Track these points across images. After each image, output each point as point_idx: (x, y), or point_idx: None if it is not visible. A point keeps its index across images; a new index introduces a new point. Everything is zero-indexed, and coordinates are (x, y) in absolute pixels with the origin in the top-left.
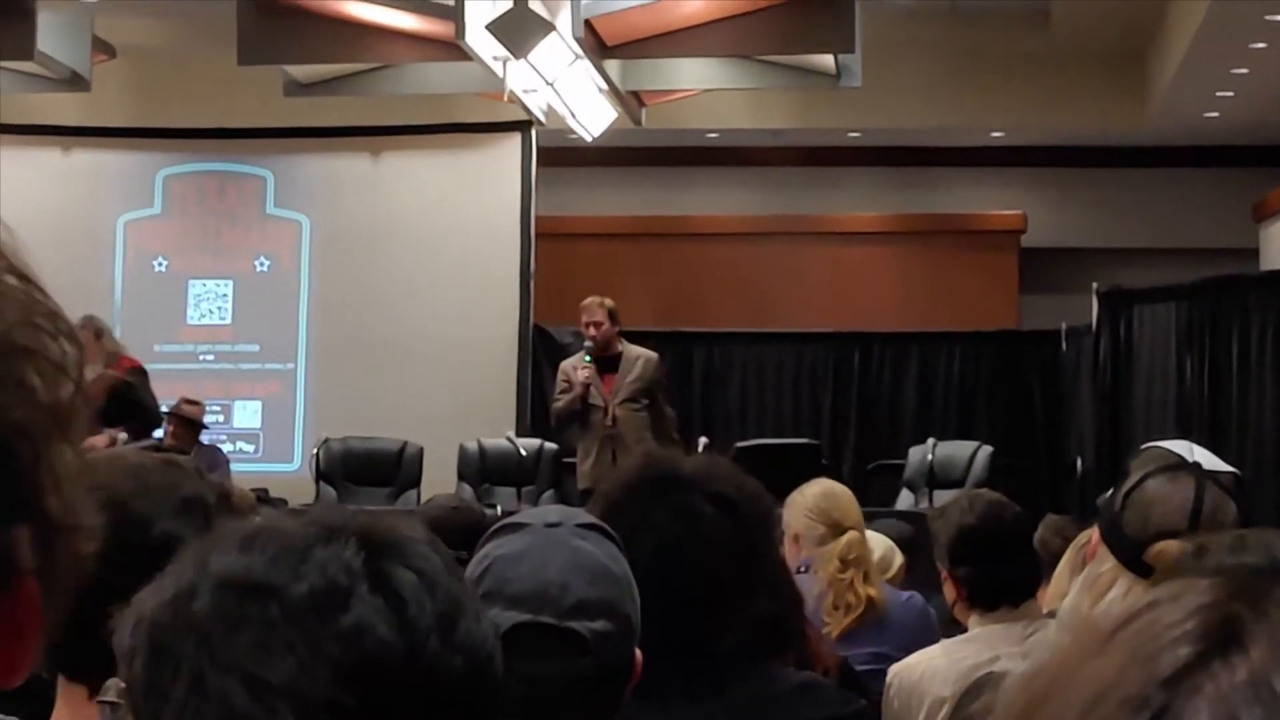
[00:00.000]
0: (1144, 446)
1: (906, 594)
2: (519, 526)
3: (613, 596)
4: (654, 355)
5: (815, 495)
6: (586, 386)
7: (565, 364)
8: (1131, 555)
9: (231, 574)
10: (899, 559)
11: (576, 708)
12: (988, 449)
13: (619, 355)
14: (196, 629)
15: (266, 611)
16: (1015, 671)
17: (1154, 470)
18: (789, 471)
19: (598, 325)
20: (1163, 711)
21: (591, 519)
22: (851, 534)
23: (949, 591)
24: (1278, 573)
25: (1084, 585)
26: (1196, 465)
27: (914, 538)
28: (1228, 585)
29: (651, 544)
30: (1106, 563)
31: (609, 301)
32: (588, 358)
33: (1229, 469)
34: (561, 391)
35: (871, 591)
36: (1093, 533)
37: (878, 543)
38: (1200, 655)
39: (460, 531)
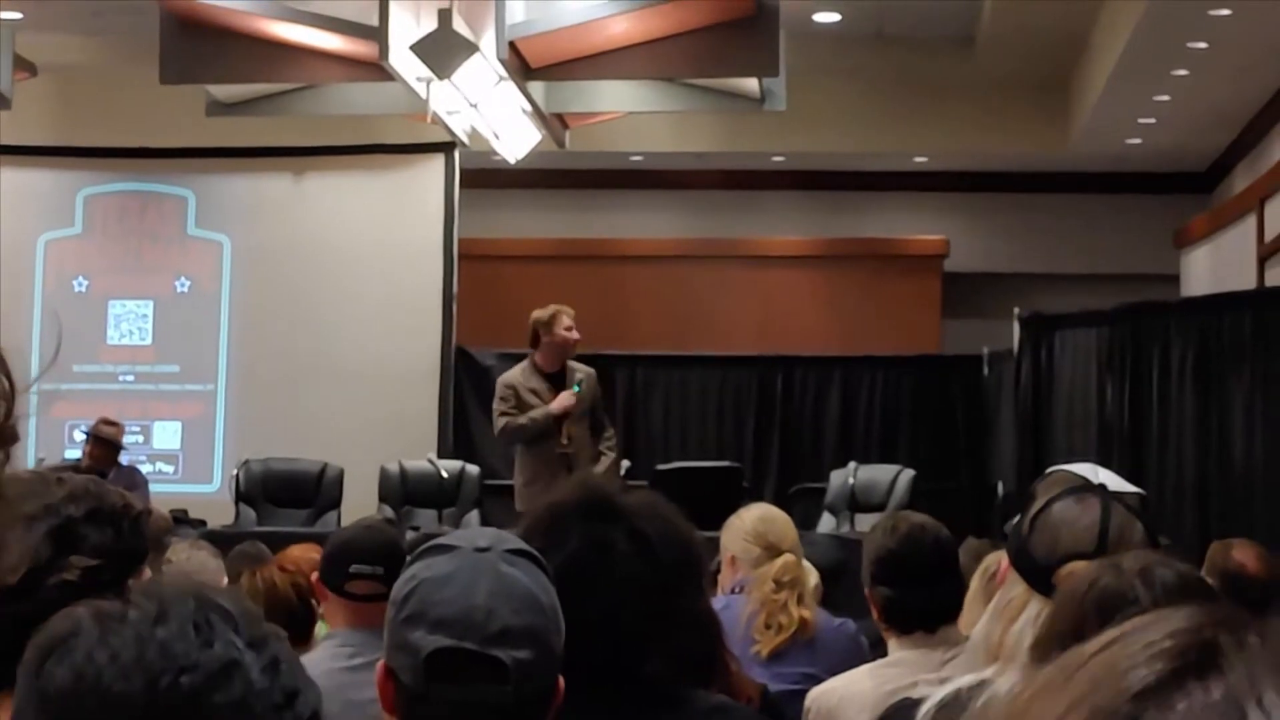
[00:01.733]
0: (1049, 470)
1: (839, 620)
2: (448, 549)
3: (538, 625)
4: (593, 371)
5: (753, 519)
6: (565, 414)
7: (512, 378)
8: (1041, 579)
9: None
10: (814, 579)
11: None
12: (910, 472)
13: (563, 371)
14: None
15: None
16: (931, 698)
17: (1060, 494)
18: (710, 494)
19: (577, 331)
20: None
21: (522, 545)
22: (787, 557)
23: (873, 609)
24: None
25: (995, 611)
26: (1102, 487)
27: (844, 561)
28: (1210, 614)
29: (555, 566)
30: (1017, 587)
31: None
32: (577, 388)
33: (1134, 489)
34: (512, 406)
35: (805, 613)
36: (1000, 558)
37: None
38: (1175, 673)
39: (375, 551)
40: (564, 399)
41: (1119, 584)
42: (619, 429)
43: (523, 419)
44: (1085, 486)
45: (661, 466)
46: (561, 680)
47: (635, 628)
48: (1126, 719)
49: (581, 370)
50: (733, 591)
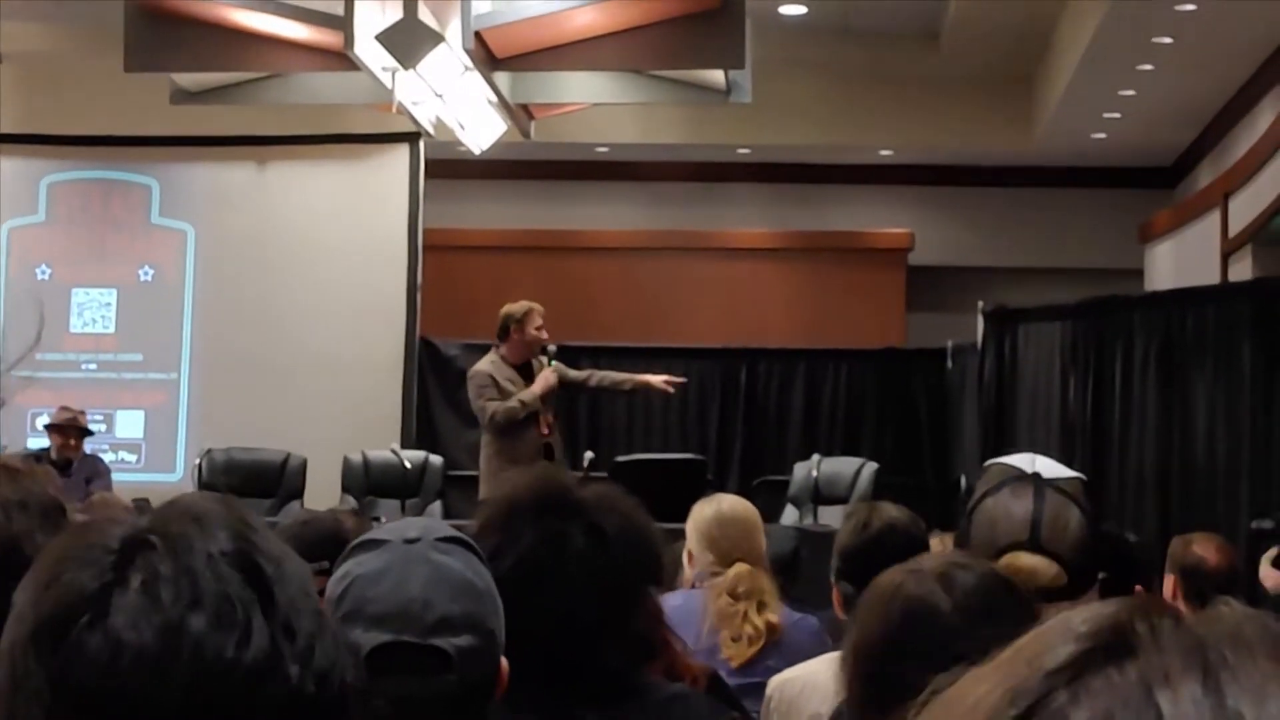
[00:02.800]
0: (987, 464)
1: (798, 616)
2: (378, 543)
3: (476, 611)
4: (555, 353)
5: (709, 521)
6: (548, 395)
7: (486, 369)
8: None
9: (15, 601)
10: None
11: None
12: (873, 465)
13: (529, 364)
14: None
15: (16, 642)
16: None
17: (995, 486)
18: (672, 487)
19: (546, 331)
20: (1042, 698)
21: (452, 532)
22: (739, 568)
23: (836, 602)
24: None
25: None
26: (1036, 476)
27: (797, 551)
28: (1128, 603)
29: (511, 561)
30: None
31: None
32: (552, 362)
33: (1073, 474)
34: (495, 395)
35: (771, 618)
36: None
37: None
38: (1088, 654)
39: (315, 544)
40: (546, 378)
41: (919, 589)
42: (582, 421)
43: (512, 402)
44: (1020, 477)
45: (621, 458)
46: (505, 661)
47: (592, 622)
48: (1038, 695)
49: (544, 358)
50: (692, 586)
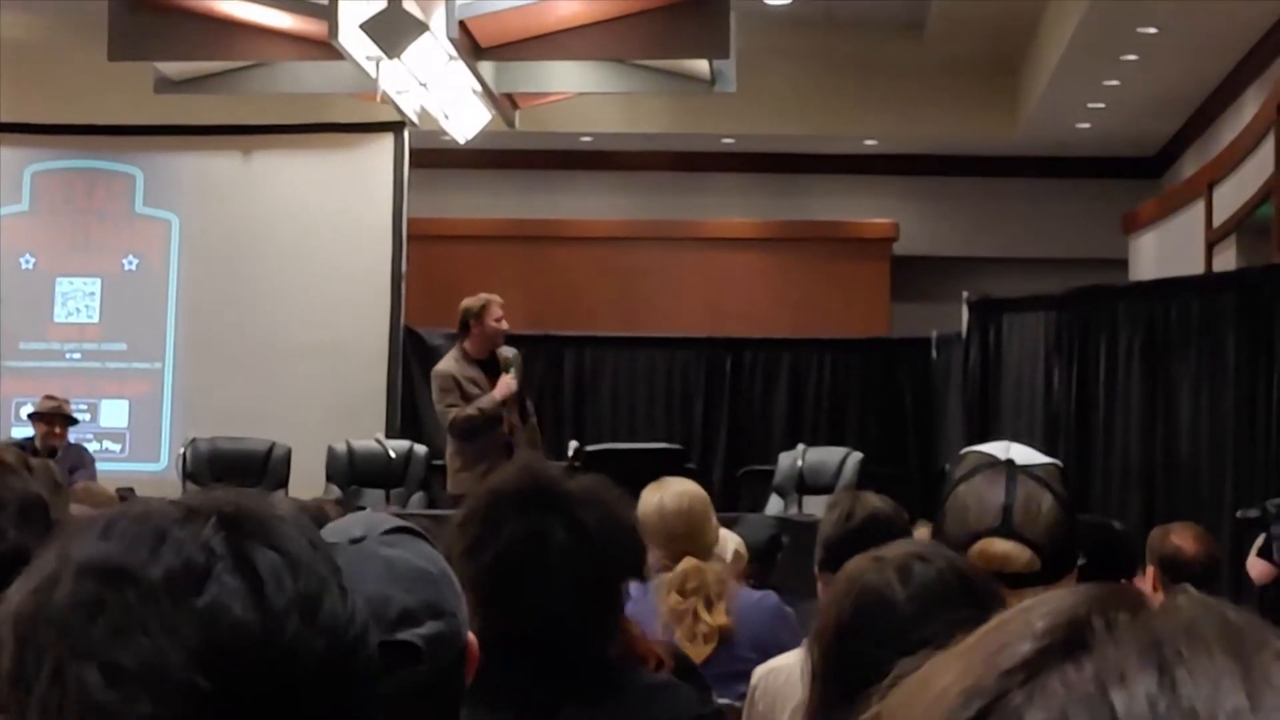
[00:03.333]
0: (963, 452)
1: (759, 594)
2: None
3: (433, 597)
4: (517, 351)
5: (653, 512)
6: (507, 399)
7: (448, 369)
8: None
9: (89, 560)
10: (731, 548)
11: (422, 713)
12: (857, 455)
13: (493, 357)
14: (57, 618)
15: (123, 596)
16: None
17: (968, 473)
18: (648, 477)
19: (506, 322)
20: (998, 699)
21: (396, 521)
22: (687, 562)
23: (820, 592)
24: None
25: None
26: (1009, 462)
27: (775, 539)
28: (1086, 595)
29: (492, 555)
30: None
31: None
32: (511, 369)
33: (1048, 461)
34: (458, 397)
35: (720, 620)
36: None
37: (722, 536)
38: (1043, 651)
39: None
40: (506, 384)
41: (878, 579)
42: (567, 411)
43: (471, 409)
44: (993, 463)
45: (593, 448)
46: (473, 638)
47: (573, 616)
48: (994, 695)
49: (507, 353)
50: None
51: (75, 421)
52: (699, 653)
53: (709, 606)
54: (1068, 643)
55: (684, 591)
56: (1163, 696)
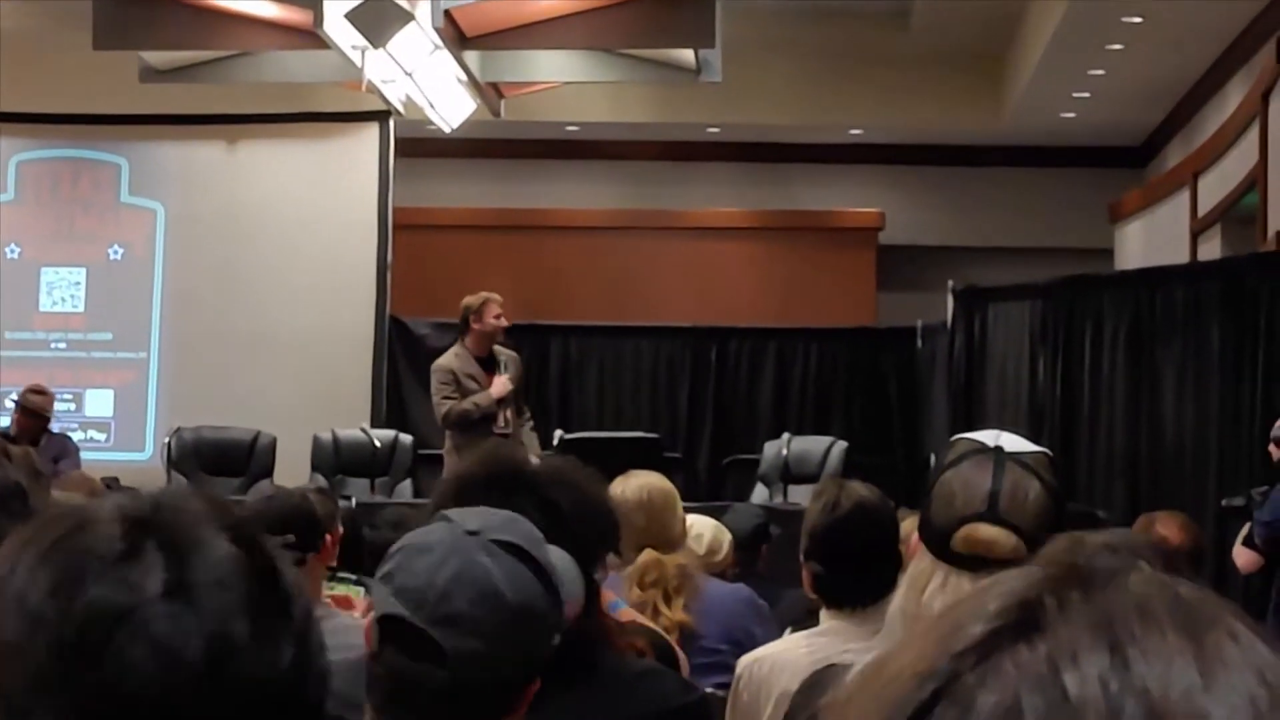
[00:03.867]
0: (953, 439)
1: (733, 586)
2: (445, 521)
3: (493, 620)
4: (516, 355)
5: (618, 504)
6: (502, 400)
7: (448, 364)
8: (940, 545)
9: (20, 596)
10: (726, 542)
11: (432, 713)
12: (843, 444)
13: (492, 355)
14: None
15: (37, 644)
16: (857, 665)
17: (956, 459)
18: (625, 466)
19: (504, 318)
20: (950, 680)
21: (516, 540)
22: (646, 555)
23: (805, 581)
24: (1099, 568)
25: (908, 582)
26: (998, 449)
27: (761, 528)
28: (1039, 574)
29: None
30: (925, 558)
31: None
32: (505, 369)
33: (1038, 449)
34: (454, 391)
35: (679, 615)
36: (912, 526)
37: (704, 527)
38: (996, 632)
39: (281, 518)
40: (501, 384)
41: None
42: (553, 399)
43: (467, 404)
44: (982, 450)
45: (570, 436)
46: (537, 684)
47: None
48: (946, 677)
49: (506, 354)
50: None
51: (47, 421)
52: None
53: (668, 601)
54: (1020, 623)
55: (643, 585)
56: (1115, 676)
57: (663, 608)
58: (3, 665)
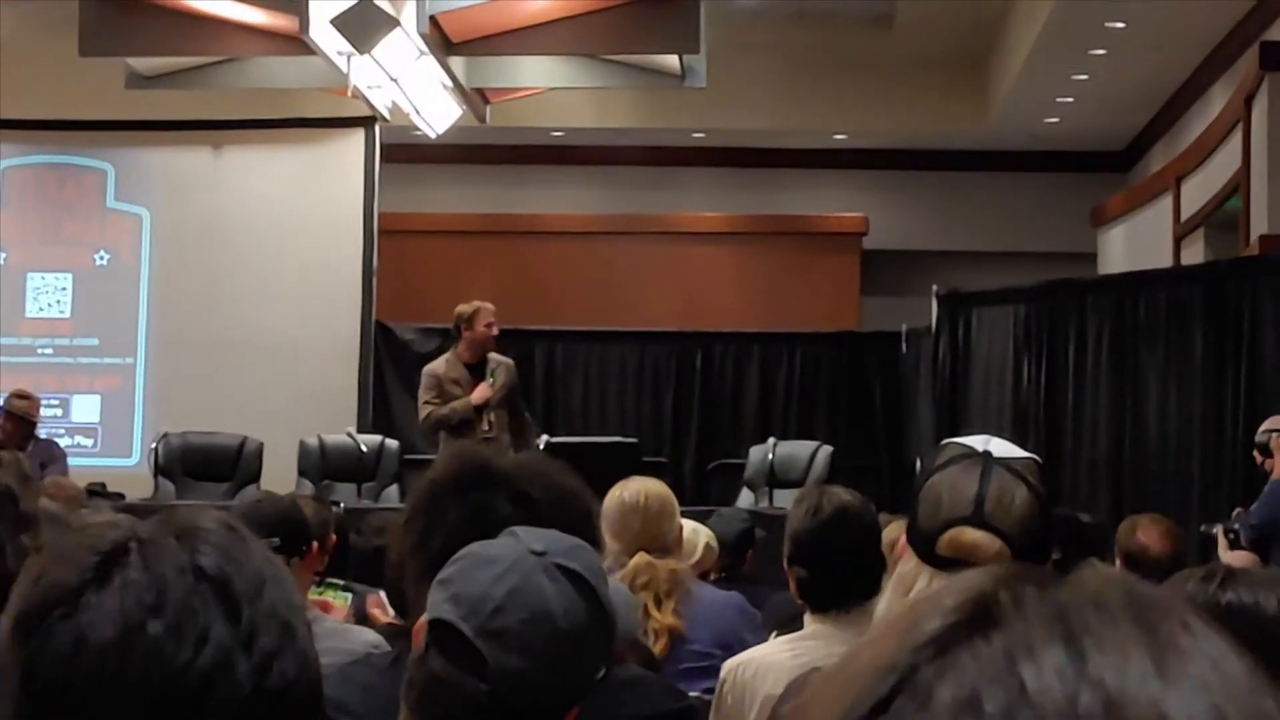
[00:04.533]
0: (942, 443)
1: (725, 592)
2: (512, 536)
3: (542, 641)
4: (511, 362)
5: (614, 508)
6: (485, 404)
7: (436, 368)
8: (926, 548)
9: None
10: (703, 542)
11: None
12: (828, 449)
13: (484, 362)
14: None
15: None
16: None
17: (944, 463)
18: (604, 470)
19: (496, 327)
20: (909, 674)
21: (577, 567)
22: (638, 558)
23: (791, 586)
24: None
25: (894, 585)
26: (986, 454)
27: (747, 533)
28: (995, 573)
29: (439, 541)
30: (911, 560)
31: None
32: (491, 377)
33: (1026, 455)
34: (435, 396)
35: (669, 620)
36: (897, 530)
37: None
38: (953, 627)
39: (268, 522)
40: (481, 390)
41: (1246, 598)
42: (537, 405)
43: (445, 409)
44: (970, 454)
45: (550, 440)
46: (574, 713)
47: None
48: (904, 671)
49: (496, 361)
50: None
51: (33, 426)
52: (655, 649)
53: (658, 604)
54: (976, 618)
55: (634, 587)
56: (1071, 667)
57: (653, 610)
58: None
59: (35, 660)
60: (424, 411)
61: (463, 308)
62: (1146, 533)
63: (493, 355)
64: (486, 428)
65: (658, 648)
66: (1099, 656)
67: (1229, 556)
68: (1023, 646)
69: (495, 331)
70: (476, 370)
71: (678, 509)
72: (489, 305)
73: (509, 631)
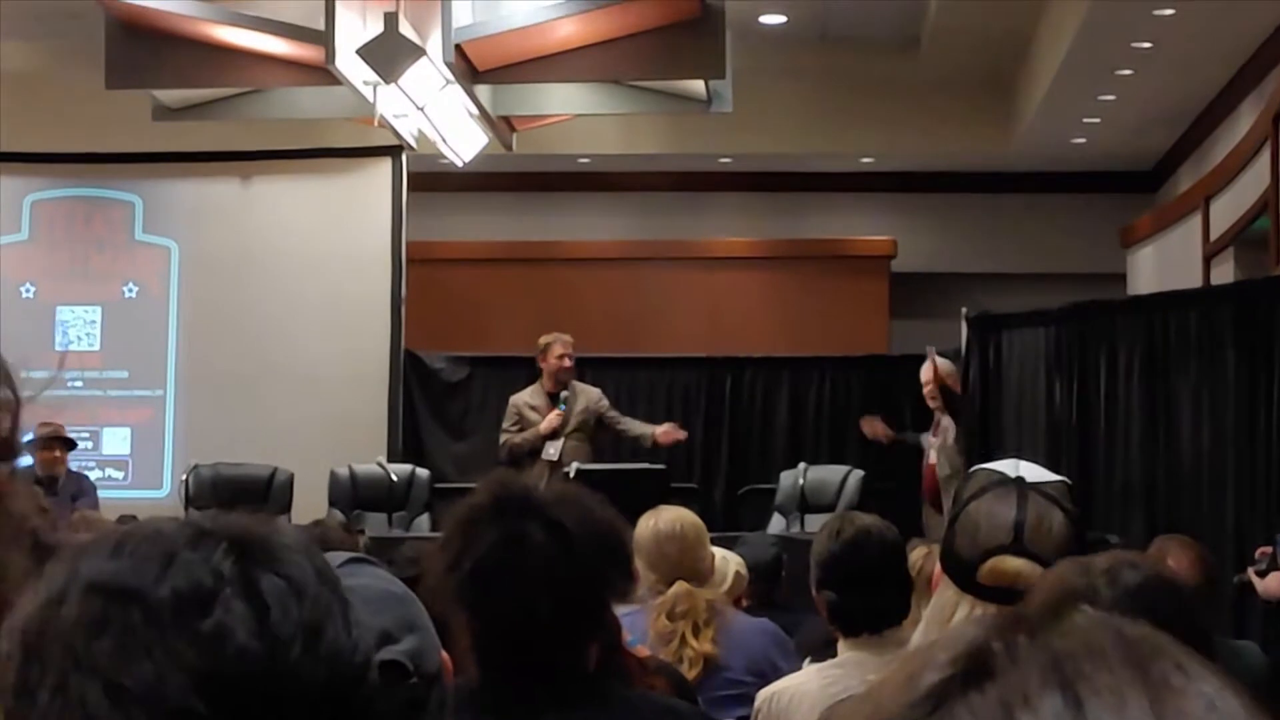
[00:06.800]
0: (972, 470)
1: (758, 620)
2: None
3: (405, 614)
4: (592, 390)
5: (648, 538)
6: (554, 431)
7: (518, 399)
8: (965, 577)
9: (97, 578)
10: (732, 570)
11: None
12: (859, 473)
13: (563, 389)
14: (63, 634)
15: (128, 616)
16: None
17: (978, 491)
18: (633, 497)
19: (570, 359)
20: None
21: (349, 554)
22: (678, 586)
23: (821, 611)
24: (1044, 612)
25: (931, 614)
26: (1019, 480)
27: (778, 558)
28: (987, 624)
29: (471, 564)
30: (949, 590)
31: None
32: (562, 405)
33: (1057, 478)
34: (514, 424)
35: (705, 647)
36: (921, 555)
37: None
38: (946, 681)
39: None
40: (550, 419)
41: (1083, 584)
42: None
43: (518, 437)
44: (1003, 481)
45: (582, 466)
46: (445, 655)
47: (558, 621)
48: None
49: (575, 389)
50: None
51: (74, 444)
52: (688, 676)
53: (696, 632)
54: (971, 670)
55: (673, 615)
56: (1068, 714)
57: (690, 639)
58: (87, 638)
59: (211, 657)
60: (501, 439)
61: (544, 338)
62: (1176, 559)
63: (574, 384)
64: (552, 454)
65: (692, 674)
66: (1095, 701)
67: (1261, 587)
68: (1019, 696)
69: (568, 363)
70: (557, 399)
71: (708, 536)
72: (565, 337)
73: (387, 630)
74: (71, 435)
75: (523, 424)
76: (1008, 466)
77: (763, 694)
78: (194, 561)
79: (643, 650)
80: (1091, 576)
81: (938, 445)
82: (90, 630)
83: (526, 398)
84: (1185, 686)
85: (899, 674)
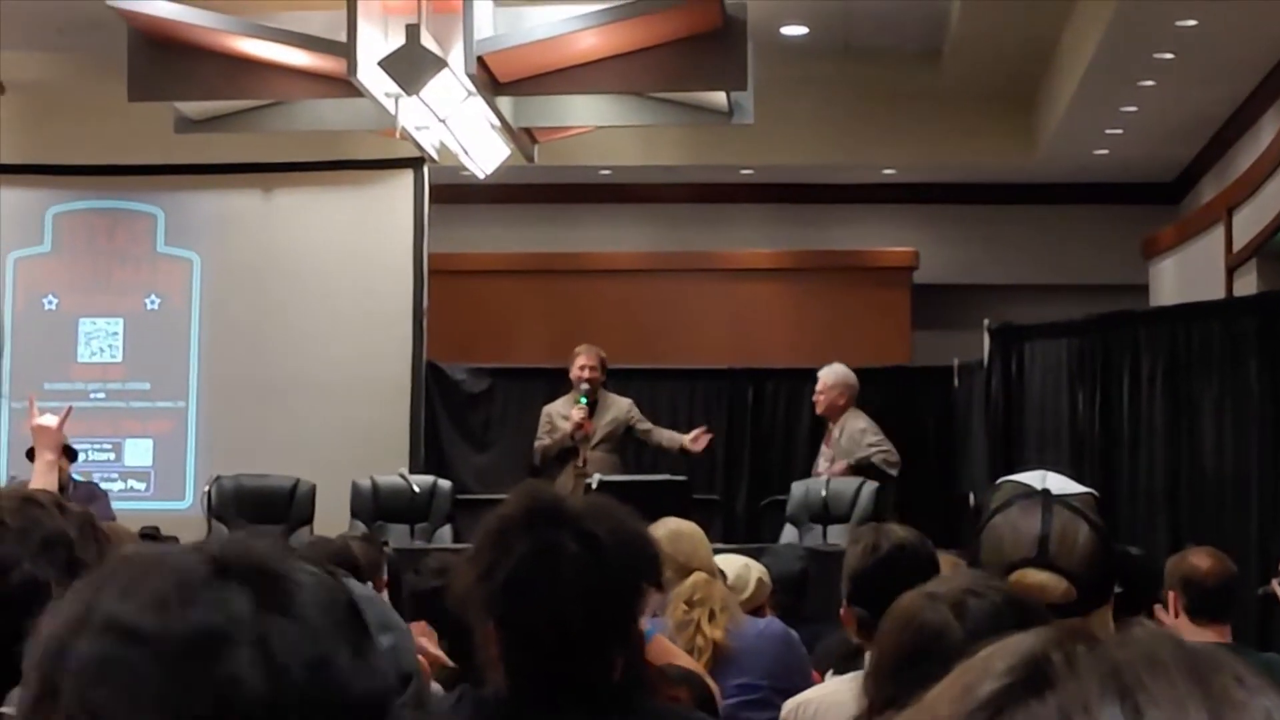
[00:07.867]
0: (998, 481)
1: (764, 621)
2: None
3: (377, 616)
4: (623, 400)
5: (661, 539)
6: (579, 427)
7: (550, 408)
8: None
9: (111, 616)
10: (754, 578)
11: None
12: (872, 484)
13: (595, 402)
14: (74, 672)
15: (138, 658)
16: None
17: (1004, 503)
18: (657, 509)
19: (592, 369)
20: None
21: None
22: (697, 575)
23: (849, 625)
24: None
25: None
26: (1045, 492)
27: (804, 570)
28: (1044, 634)
29: (504, 575)
30: None
31: (600, 350)
32: (583, 399)
33: (1083, 490)
34: (546, 432)
35: (716, 634)
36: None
37: (730, 564)
38: (1009, 689)
39: (321, 564)
40: (574, 415)
41: (934, 616)
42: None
43: (547, 441)
44: (1029, 493)
45: (604, 478)
46: (423, 659)
47: (590, 630)
48: None
49: (605, 400)
50: (654, 615)
51: (76, 454)
52: (696, 667)
53: (711, 618)
54: (1030, 679)
55: (690, 602)
56: None
57: (705, 626)
58: (95, 681)
59: (228, 693)
60: (535, 445)
61: (576, 349)
62: (1197, 557)
63: (609, 395)
64: (582, 464)
65: (702, 661)
66: (1155, 712)
67: None
68: (1079, 705)
69: (585, 374)
70: (588, 407)
71: (707, 542)
72: (587, 348)
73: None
74: (74, 446)
75: (554, 433)
76: (1035, 478)
77: (789, 704)
78: (209, 603)
79: (659, 641)
80: (942, 612)
81: (829, 455)
82: (99, 673)
83: (559, 407)
84: (1247, 701)
85: (954, 684)
